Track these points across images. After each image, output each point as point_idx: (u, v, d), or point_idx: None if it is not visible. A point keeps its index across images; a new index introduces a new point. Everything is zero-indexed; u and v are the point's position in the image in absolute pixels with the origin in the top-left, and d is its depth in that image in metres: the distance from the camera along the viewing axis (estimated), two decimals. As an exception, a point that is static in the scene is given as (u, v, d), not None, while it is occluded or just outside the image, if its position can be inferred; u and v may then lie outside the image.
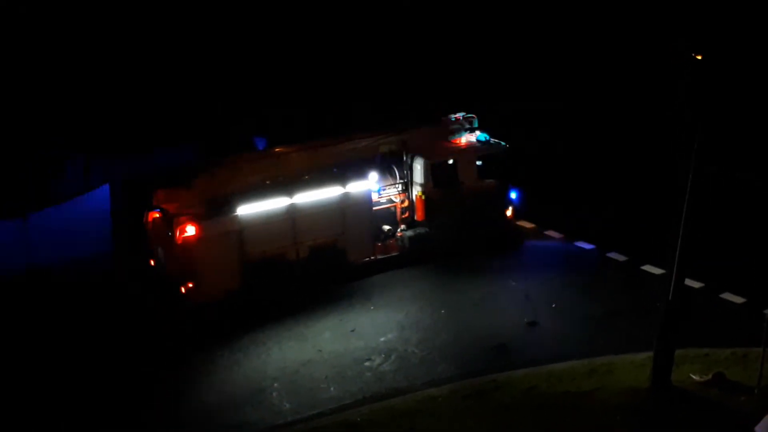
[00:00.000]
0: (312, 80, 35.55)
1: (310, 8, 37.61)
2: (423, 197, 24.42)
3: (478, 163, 25.03)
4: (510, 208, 25.71)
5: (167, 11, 34.12)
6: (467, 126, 25.73)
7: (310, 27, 37.32)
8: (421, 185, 24.48)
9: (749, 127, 29.89)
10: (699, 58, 15.75)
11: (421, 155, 24.50)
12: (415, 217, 24.76)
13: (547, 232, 26.69)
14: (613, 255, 24.58)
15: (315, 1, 37.89)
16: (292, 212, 22.29)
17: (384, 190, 24.39)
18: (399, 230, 24.68)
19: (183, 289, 21.20)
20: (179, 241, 21.00)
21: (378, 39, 37.52)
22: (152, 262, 22.96)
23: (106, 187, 26.10)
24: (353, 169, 23.36)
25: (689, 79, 15.63)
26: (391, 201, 24.69)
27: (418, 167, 24.46)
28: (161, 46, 33.34)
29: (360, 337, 20.30)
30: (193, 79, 33.27)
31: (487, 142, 25.35)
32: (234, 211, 21.55)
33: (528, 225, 27.07)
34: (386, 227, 24.52)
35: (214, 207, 21.55)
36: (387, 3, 38.67)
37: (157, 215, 22.30)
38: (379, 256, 24.03)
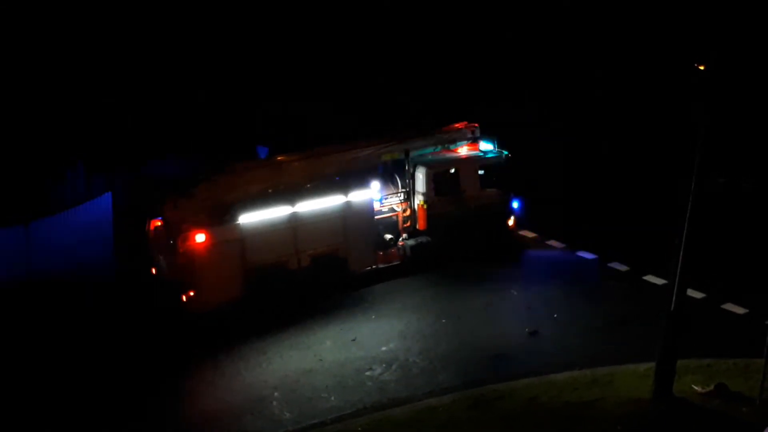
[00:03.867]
0: (313, 86, 35.69)
1: (310, 11, 37.80)
2: (425, 206, 24.44)
3: (480, 172, 25.06)
4: (512, 218, 25.71)
5: (167, 14, 34.28)
6: (470, 135, 25.78)
7: (311, 32, 37.46)
8: (422, 194, 24.50)
9: (754, 137, 29.90)
10: (701, 68, 15.74)
11: (424, 164, 24.52)
12: (417, 226, 24.76)
13: (548, 242, 26.69)
14: (614, 265, 24.56)
15: (316, 6, 38.09)
16: (294, 221, 22.30)
17: (386, 198, 24.40)
18: (401, 239, 24.67)
19: (184, 298, 21.19)
20: (181, 250, 21.00)
21: (386, 45, 37.65)
22: (154, 271, 22.95)
23: (108, 195, 26.12)
24: (355, 177, 23.39)
25: (695, 85, 15.62)
26: (392, 210, 24.69)
27: (420, 176, 24.49)
28: (161, 50, 33.48)
29: (361, 347, 20.26)
30: (192, 85, 33.40)
31: (489, 151, 25.39)
32: (236, 219, 21.56)
33: (530, 234, 27.07)
34: (388, 236, 24.51)
35: (216, 215, 21.56)
36: (397, 7, 38.84)
37: (159, 223, 22.30)
38: (381, 265, 24.02)
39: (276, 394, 18.36)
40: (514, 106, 33.68)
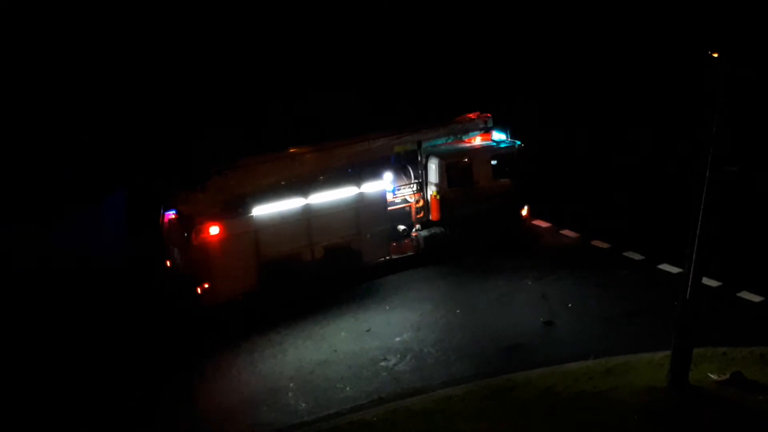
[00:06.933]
0: (323, 81, 35.69)
1: (316, 8, 37.82)
2: (438, 197, 24.41)
3: (493, 162, 25.00)
4: (525, 208, 25.64)
5: (176, 19, 34.41)
6: (482, 125, 25.72)
7: (318, 27, 37.46)
8: (435, 185, 24.47)
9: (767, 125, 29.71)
10: (715, 55, 15.63)
11: (436, 155, 24.49)
12: (430, 217, 24.74)
13: (562, 232, 26.61)
14: (629, 254, 24.46)
15: (322, 3, 38.13)
16: (307, 213, 22.32)
17: (399, 190, 24.38)
18: (414, 230, 24.67)
19: (199, 290, 21.27)
20: (195, 243, 21.07)
21: (403, 37, 37.63)
22: (168, 264, 23.04)
23: (122, 190, 26.25)
24: (368, 169, 23.38)
25: (709, 76, 15.50)
26: (405, 201, 24.67)
27: (433, 167, 24.46)
28: (169, 52, 33.61)
29: (376, 337, 20.30)
30: (199, 83, 33.54)
31: (502, 141, 25.33)
32: (249, 212, 21.61)
33: (543, 224, 27.00)
34: (401, 227, 24.51)
35: (230, 208, 21.61)
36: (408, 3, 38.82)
37: (173, 217, 22.38)
38: (394, 257, 24.03)
39: (291, 384, 18.43)
40: (528, 100, 33.62)
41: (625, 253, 24.52)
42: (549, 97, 35.58)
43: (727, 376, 16.84)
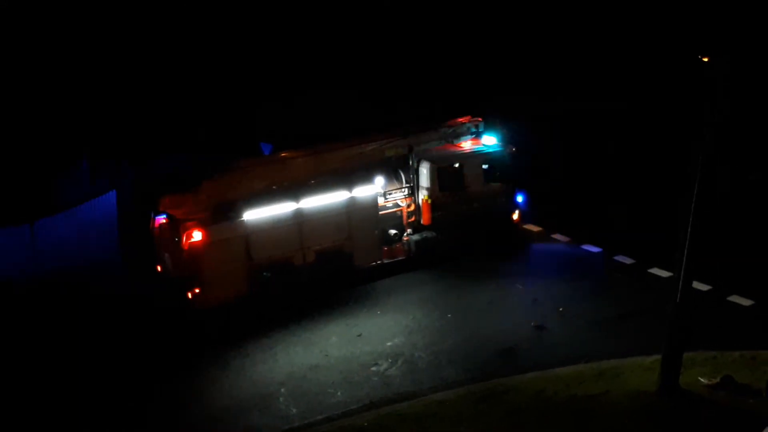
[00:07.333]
0: (319, 82, 35.68)
1: (310, 9, 37.82)
2: (429, 201, 24.42)
3: (485, 166, 25.03)
4: (516, 212, 25.69)
5: (175, 15, 34.34)
6: (474, 129, 25.74)
7: (311, 27, 37.46)
8: (427, 189, 24.47)
9: (759, 127, 29.80)
10: (705, 60, 15.66)
11: (428, 159, 24.50)
12: (422, 221, 24.74)
13: (553, 236, 26.65)
14: (620, 258, 24.51)
15: (317, 3, 38.14)
16: (299, 217, 22.30)
17: (390, 194, 24.37)
18: (405, 234, 24.67)
19: (189, 295, 21.22)
20: (185, 247, 21.02)
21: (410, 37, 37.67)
22: (159, 268, 22.97)
23: (113, 193, 26.18)
24: (359, 173, 23.37)
25: (704, 77, 15.51)
26: (397, 205, 24.66)
27: (425, 171, 24.46)
28: (167, 50, 33.52)
29: (367, 342, 20.28)
30: (197, 83, 33.46)
31: (493, 145, 25.35)
32: (240, 216, 21.57)
33: (535, 228, 27.03)
34: (392, 231, 24.50)
35: (221, 212, 21.57)
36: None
37: (164, 221, 22.32)
38: (386, 261, 24.03)
39: (282, 389, 18.39)
40: (541, 99, 33.70)
41: (615, 257, 24.58)
42: (547, 96, 35.60)
43: (718, 379, 16.89)
